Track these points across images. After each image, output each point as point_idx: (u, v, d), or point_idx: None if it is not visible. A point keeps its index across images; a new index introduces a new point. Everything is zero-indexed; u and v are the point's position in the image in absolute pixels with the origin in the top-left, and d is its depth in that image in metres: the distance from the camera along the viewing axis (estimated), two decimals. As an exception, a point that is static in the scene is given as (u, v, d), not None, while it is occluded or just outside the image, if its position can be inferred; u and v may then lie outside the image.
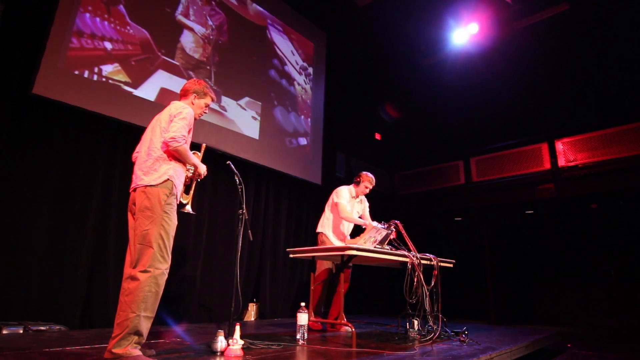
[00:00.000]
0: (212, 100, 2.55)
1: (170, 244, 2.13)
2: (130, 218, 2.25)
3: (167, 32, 4.55)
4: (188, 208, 2.41)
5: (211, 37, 5.06)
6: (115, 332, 1.92)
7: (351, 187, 4.01)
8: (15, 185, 3.30)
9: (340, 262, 3.01)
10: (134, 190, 2.21)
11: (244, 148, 5.13)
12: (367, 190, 4.00)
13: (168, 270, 2.10)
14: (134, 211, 2.20)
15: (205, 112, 2.56)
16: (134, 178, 2.23)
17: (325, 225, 3.90)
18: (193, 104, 2.44)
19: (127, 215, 2.29)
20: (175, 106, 2.33)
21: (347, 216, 3.77)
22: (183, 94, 2.47)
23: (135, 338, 1.93)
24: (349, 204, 3.90)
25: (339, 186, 4.04)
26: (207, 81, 4.29)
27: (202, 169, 2.39)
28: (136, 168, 2.25)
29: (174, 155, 2.22)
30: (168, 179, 2.16)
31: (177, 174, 2.23)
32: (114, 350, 1.87)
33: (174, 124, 2.21)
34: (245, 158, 5.10)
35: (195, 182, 2.44)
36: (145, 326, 1.97)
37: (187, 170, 2.35)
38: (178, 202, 2.31)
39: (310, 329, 3.38)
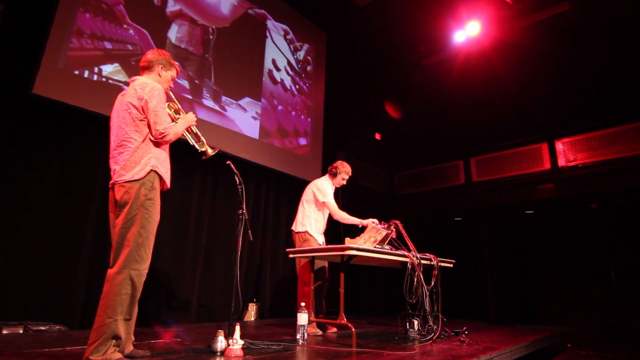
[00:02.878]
0: (177, 73, 2.37)
1: (150, 242, 2.02)
2: (111, 215, 2.10)
3: (167, 31, 4.55)
4: (209, 151, 2.41)
5: (211, 37, 5.06)
6: (91, 338, 1.83)
7: (328, 178, 3.72)
8: (15, 185, 3.31)
9: (341, 262, 3.00)
10: (112, 187, 2.07)
11: (244, 148, 5.13)
12: (344, 182, 3.76)
13: (147, 270, 2.00)
14: (114, 208, 2.06)
15: (171, 87, 2.35)
16: (111, 173, 2.08)
17: (306, 224, 3.59)
18: (160, 77, 2.25)
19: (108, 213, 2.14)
20: (140, 84, 2.12)
21: (343, 217, 3.54)
22: (147, 67, 2.24)
23: (114, 342, 1.85)
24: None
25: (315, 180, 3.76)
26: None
27: (191, 121, 2.29)
28: (112, 162, 2.08)
29: (155, 141, 2.10)
30: (151, 170, 2.04)
31: (161, 161, 2.12)
32: (92, 357, 1.78)
33: (153, 114, 2.06)
34: (245, 158, 5.10)
35: (196, 128, 2.40)
36: (122, 329, 1.89)
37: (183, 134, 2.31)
38: (201, 150, 2.37)
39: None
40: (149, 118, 2.07)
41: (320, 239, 3.67)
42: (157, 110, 2.07)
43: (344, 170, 3.71)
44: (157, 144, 2.12)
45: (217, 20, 5.17)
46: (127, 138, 2.05)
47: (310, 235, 3.58)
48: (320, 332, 3.41)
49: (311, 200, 3.65)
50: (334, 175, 3.72)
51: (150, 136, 2.09)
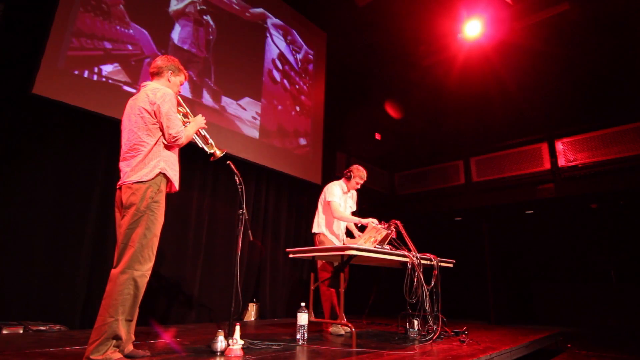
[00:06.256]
0: (186, 78, 2.42)
1: (155, 243, 2.04)
2: (117, 215, 2.14)
3: (167, 31, 4.55)
4: (218, 153, 2.48)
5: (211, 37, 5.06)
6: (92, 337, 1.84)
7: (342, 182, 3.89)
8: (15, 186, 3.31)
9: (340, 262, 3.00)
10: (120, 187, 2.10)
11: (244, 148, 5.13)
12: (359, 186, 3.88)
13: (150, 272, 2.01)
14: (120, 208, 2.09)
15: (180, 91, 2.41)
16: (120, 174, 2.12)
17: (321, 225, 3.79)
18: (170, 82, 2.30)
19: (115, 213, 2.18)
20: (151, 89, 2.17)
21: (341, 216, 3.68)
22: (157, 72, 2.30)
23: (114, 342, 1.85)
24: (341, 199, 3.80)
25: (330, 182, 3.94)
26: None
27: (201, 124, 2.38)
28: (123, 164, 2.11)
29: (166, 145, 2.14)
30: (159, 173, 2.08)
31: (170, 164, 2.16)
32: (92, 357, 1.79)
33: (166, 118, 2.10)
34: (245, 158, 5.10)
35: (204, 130, 2.48)
36: (124, 330, 1.89)
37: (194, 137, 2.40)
38: (210, 152, 2.44)
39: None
40: (161, 122, 2.12)
41: (336, 240, 3.79)
42: (169, 115, 2.12)
43: (359, 175, 3.84)
44: (168, 147, 2.17)
45: (221, 17, 5.16)
46: (140, 142, 2.09)
47: (325, 236, 3.74)
48: (342, 332, 3.42)
49: (323, 203, 3.82)
50: (348, 178, 3.87)
51: (162, 140, 2.14)
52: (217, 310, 4.57)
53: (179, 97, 2.38)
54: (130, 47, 4.13)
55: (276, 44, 6.04)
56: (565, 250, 7.26)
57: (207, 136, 2.51)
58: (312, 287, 3.32)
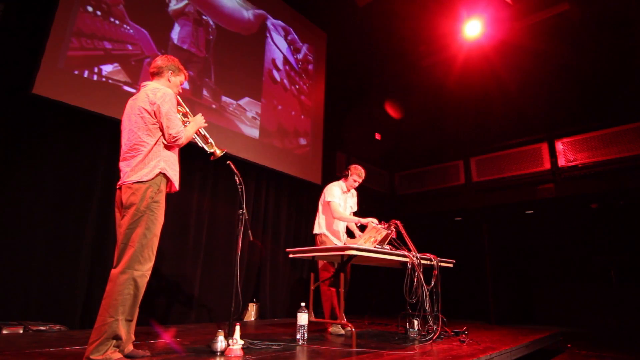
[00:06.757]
0: (186, 78, 2.42)
1: (155, 243, 2.05)
2: (117, 215, 2.14)
3: (167, 31, 4.55)
4: (218, 152, 2.49)
5: (211, 37, 5.06)
6: (92, 337, 1.84)
7: (341, 182, 3.94)
8: (15, 186, 3.31)
9: (340, 262, 3.00)
10: (120, 187, 2.10)
11: (244, 148, 5.13)
12: (356, 184, 3.93)
13: (150, 272, 2.01)
14: (120, 208, 2.09)
15: (180, 91, 2.40)
16: (120, 174, 2.12)
17: (322, 226, 3.83)
18: (170, 82, 2.30)
19: (114, 213, 2.18)
20: (152, 89, 2.17)
21: (341, 216, 3.71)
22: (157, 72, 2.29)
23: (114, 342, 1.85)
24: (340, 199, 3.84)
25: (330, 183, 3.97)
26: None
27: (201, 123, 2.38)
28: (123, 164, 2.11)
29: (166, 145, 2.14)
30: (159, 173, 2.08)
31: (170, 164, 2.16)
32: (92, 357, 1.79)
33: (166, 118, 2.10)
34: (245, 158, 5.10)
35: (204, 129, 2.48)
36: (124, 330, 1.89)
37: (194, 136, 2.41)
38: (210, 151, 2.45)
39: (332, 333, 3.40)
40: (161, 122, 2.12)
41: (337, 240, 3.81)
42: (169, 115, 2.12)
43: (356, 173, 3.90)
44: (168, 147, 2.17)
45: (221, 17, 5.17)
46: (140, 142, 2.09)
47: (326, 237, 3.78)
48: (342, 332, 3.42)
49: (323, 203, 3.87)
50: (346, 177, 3.94)
51: (163, 140, 2.14)
52: (217, 310, 4.57)
53: (179, 97, 2.38)
54: (130, 47, 4.13)
55: (276, 44, 6.04)
56: (565, 250, 7.25)
57: (207, 135, 2.52)
58: (312, 287, 3.32)
